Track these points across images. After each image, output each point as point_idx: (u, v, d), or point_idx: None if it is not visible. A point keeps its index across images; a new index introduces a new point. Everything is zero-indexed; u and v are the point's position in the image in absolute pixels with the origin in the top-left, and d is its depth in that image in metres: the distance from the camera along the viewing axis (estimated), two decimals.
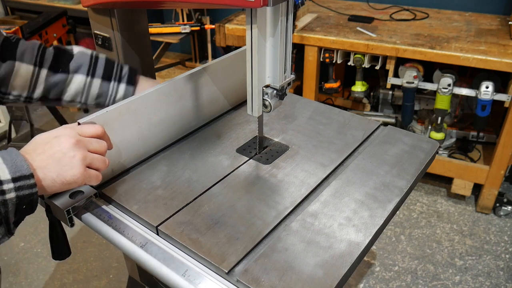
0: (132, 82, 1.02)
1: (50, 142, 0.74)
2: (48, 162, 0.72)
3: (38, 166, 0.71)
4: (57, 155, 0.73)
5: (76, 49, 1.01)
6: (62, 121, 2.58)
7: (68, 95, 1.00)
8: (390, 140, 1.07)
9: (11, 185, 0.65)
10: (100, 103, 1.02)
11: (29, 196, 0.68)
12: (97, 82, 1.00)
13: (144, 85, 1.04)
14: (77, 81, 0.99)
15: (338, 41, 2.22)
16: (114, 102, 1.01)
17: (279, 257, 0.74)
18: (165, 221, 0.81)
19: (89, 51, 1.02)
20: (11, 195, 0.65)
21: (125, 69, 1.03)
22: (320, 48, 2.31)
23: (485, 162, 2.34)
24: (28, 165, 0.68)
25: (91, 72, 0.99)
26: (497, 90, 2.06)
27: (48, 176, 0.72)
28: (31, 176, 0.68)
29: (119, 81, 1.01)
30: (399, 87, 2.32)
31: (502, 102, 2.05)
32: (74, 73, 0.99)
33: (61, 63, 0.98)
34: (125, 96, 1.01)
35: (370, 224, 0.81)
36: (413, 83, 2.18)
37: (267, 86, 0.91)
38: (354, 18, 2.47)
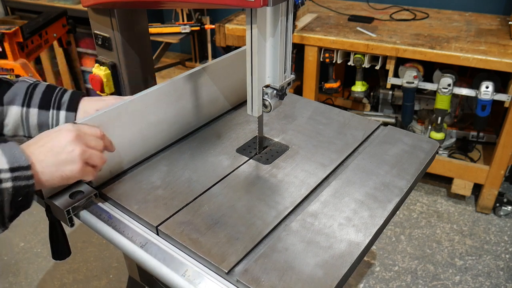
0: (73, 108, 0.96)
1: (50, 135, 0.75)
2: (47, 156, 0.72)
3: (37, 160, 0.71)
4: (56, 149, 0.73)
5: (20, 79, 0.96)
6: None
7: (8, 129, 0.95)
8: (390, 140, 1.07)
9: (8, 175, 0.66)
10: None
11: (25, 188, 0.68)
12: (34, 112, 0.94)
13: (88, 107, 0.97)
14: (13, 113, 0.93)
15: (338, 41, 2.22)
16: None
17: (279, 257, 0.74)
18: (165, 221, 0.81)
19: (31, 80, 0.97)
20: (8, 184, 0.66)
21: (66, 96, 0.97)
22: (320, 48, 2.30)
23: (485, 162, 2.34)
24: (26, 156, 0.69)
25: (26, 102, 0.93)
26: (497, 90, 2.05)
27: (47, 170, 0.72)
28: (29, 167, 0.68)
29: (59, 108, 0.95)
30: (399, 87, 2.32)
31: (502, 102, 2.05)
32: (9, 105, 0.93)
33: None
34: None
35: (370, 224, 0.81)
36: (413, 83, 2.18)
37: (267, 86, 0.91)
38: (354, 18, 2.47)
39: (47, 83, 0.98)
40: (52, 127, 0.95)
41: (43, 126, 0.95)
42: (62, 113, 0.95)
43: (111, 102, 0.97)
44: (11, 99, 0.93)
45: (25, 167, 0.68)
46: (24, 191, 0.68)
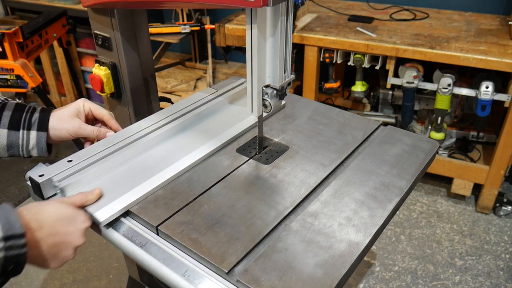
0: (43, 127, 0.94)
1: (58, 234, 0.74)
2: (49, 252, 0.73)
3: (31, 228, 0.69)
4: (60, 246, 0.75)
5: None
6: None
7: None
8: (390, 140, 1.07)
9: (0, 244, 0.62)
10: (14, 154, 0.95)
11: (17, 257, 0.65)
12: (2, 133, 0.92)
13: (58, 124, 0.96)
14: None
15: (338, 41, 2.22)
16: (28, 151, 0.95)
17: (279, 257, 0.74)
18: (165, 221, 0.81)
19: None
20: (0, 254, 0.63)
21: (36, 115, 0.95)
22: (320, 48, 2.30)
23: (485, 162, 2.34)
24: (21, 224, 0.66)
25: None
26: (497, 90, 2.05)
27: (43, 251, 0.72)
28: (23, 235, 0.65)
29: (29, 128, 0.94)
30: (399, 87, 2.32)
31: (502, 102, 2.05)
32: None
33: None
34: (38, 144, 0.94)
35: (370, 224, 0.81)
36: (413, 83, 2.18)
37: (267, 86, 0.91)
38: (354, 18, 2.47)
39: (16, 102, 0.96)
40: (23, 148, 0.94)
41: (12, 147, 0.93)
42: (33, 133, 0.94)
43: (74, 106, 0.98)
44: None
45: (19, 235, 0.65)
46: (15, 260, 0.65)
